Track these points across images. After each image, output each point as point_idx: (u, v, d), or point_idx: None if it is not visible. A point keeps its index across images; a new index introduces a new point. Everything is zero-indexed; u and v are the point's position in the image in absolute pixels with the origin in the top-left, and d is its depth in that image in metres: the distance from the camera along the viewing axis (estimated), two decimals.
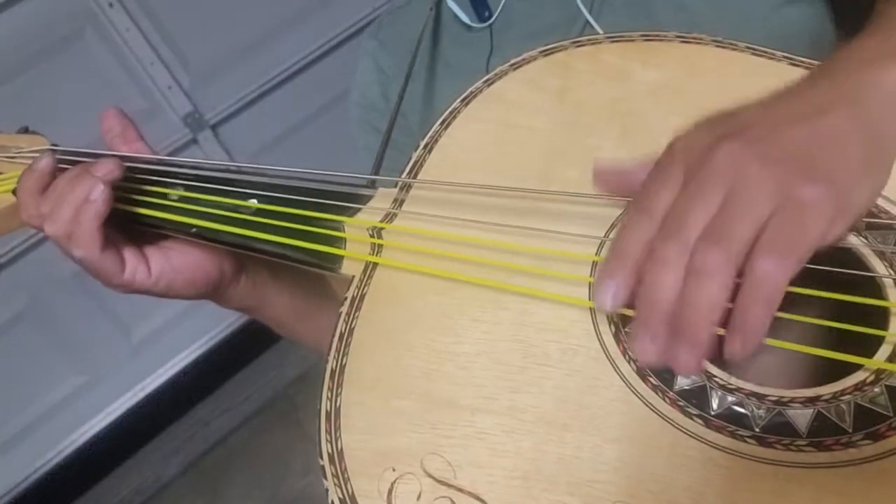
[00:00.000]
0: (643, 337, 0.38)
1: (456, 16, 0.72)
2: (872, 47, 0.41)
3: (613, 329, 0.43)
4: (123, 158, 0.58)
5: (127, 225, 0.57)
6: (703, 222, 0.37)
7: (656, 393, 0.41)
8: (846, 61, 0.41)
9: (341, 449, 0.42)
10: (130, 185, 0.58)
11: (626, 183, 0.45)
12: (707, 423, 0.40)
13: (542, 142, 0.52)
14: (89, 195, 0.53)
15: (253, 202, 0.55)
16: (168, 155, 1.78)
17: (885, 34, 0.41)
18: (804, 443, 0.38)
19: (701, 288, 0.36)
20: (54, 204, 0.54)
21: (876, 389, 0.39)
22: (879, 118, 0.38)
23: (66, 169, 0.57)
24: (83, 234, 0.53)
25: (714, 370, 0.42)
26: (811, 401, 0.40)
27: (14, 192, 0.59)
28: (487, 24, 0.71)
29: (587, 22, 0.66)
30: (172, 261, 0.58)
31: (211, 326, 1.97)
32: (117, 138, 0.60)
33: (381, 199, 0.53)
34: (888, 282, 0.42)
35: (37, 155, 0.61)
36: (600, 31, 0.63)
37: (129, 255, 0.57)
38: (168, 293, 0.59)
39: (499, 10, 0.70)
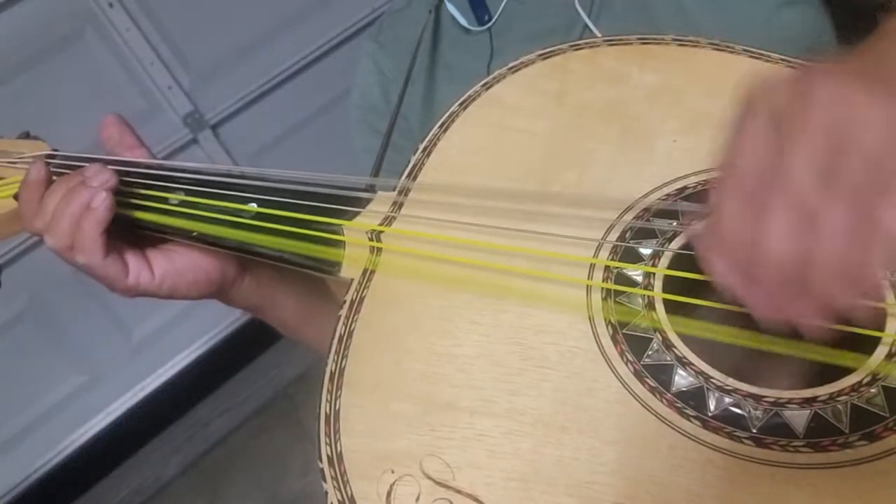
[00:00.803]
0: (768, 304, 0.34)
1: (456, 19, 0.73)
2: None
3: (611, 331, 0.44)
4: (124, 164, 0.58)
5: (128, 229, 0.57)
6: (813, 168, 0.33)
7: (654, 395, 0.41)
8: None
9: (341, 451, 0.42)
10: (131, 189, 0.58)
11: None
12: (705, 425, 0.40)
13: (540, 145, 0.52)
14: (91, 203, 0.53)
15: (252, 206, 0.55)
16: (169, 155, 1.79)
17: None
18: (801, 444, 0.38)
19: (821, 242, 0.32)
20: (51, 218, 0.54)
21: (872, 390, 0.39)
22: None
23: (64, 174, 0.57)
24: (86, 242, 0.53)
25: (712, 371, 0.42)
26: (808, 402, 0.40)
27: (16, 197, 0.59)
28: (486, 27, 0.71)
29: (586, 25, 0.66)
30: (175, 263, 0.58)
31: (211, 326, 1.98)
32: (118, 146, 0.60)
33: (380, 203, 0.53)
34: (884, 283, 0.42)
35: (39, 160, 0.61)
36: (599, 35, 0.63)
37: (132, 259, 0.57)
38: (172, 295, 0.59)
39: (498, 13, 0.70)
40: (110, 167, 0.56)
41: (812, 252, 0.33)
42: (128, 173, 0.59)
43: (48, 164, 0.60)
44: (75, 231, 0.53)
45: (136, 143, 0.61)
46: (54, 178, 0.57)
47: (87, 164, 0.58)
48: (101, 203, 0.53)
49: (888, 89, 0.33)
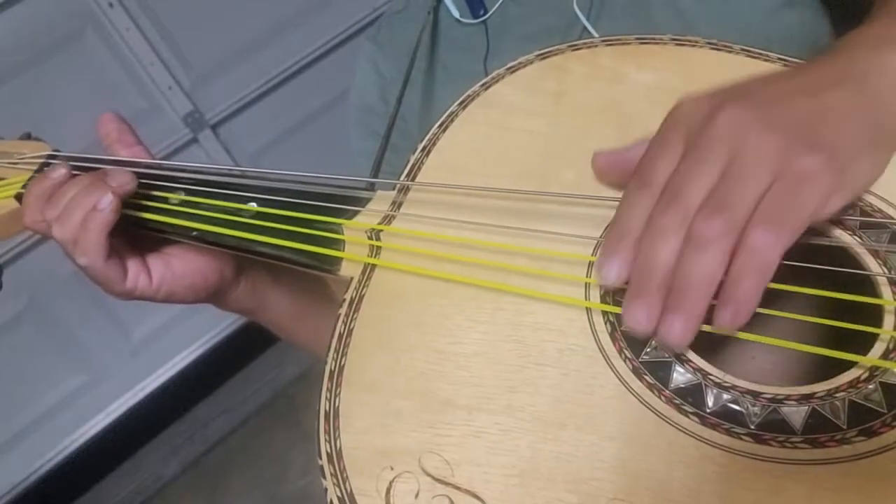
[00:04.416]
0: (637, 305, 0.39)
1: (455, 20, 0.73)
2: (878, 34, 0.42)
3: (609, 328, 0.44)
4: (125, 164, 0.58)
5: (129, 229, 0.58)
6: (704, 191, 0.37)
7: (652, 391, 0.41)
8: (852, 47, 0.42)
9: (340, 449, 0.42)
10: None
11: (628, 165, 0.45)
12: (703, 421, 0.40)
13: (538, 144, 0.53)
14: (97, 204, 0.53)
15: (252, 205, 0.55)
16: (169, 154, 1.79)
17: (889, 20, 0.42)
18: (799, 440, 0.39)
19: (698, 257, 0.37)
20: (65, 208, 0.54)
21: (870, 386, 0.39)
22: (883, 99, 0.39)
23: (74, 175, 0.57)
24: (89, 242, 0.53)
25: (709, 368, 0.42)
26: (806, 398, 0.40)
27: (17, 197, 0.59)
28: (481, 20, 0.71)
29: (585, 27, 0.66)
30: (173, 268, 0.59)
31: (211, 326, 1.98)
32: (115, 143, 0.60)
33: (380, 202, 0.54)
34: (882, 279, 0.42)
35: (40, 160, 0.61)
36: (597, 36, 0.63)
37: (132, 263, 0.57)
38: (169, 299, 0.59)
39: (494, 7, 0.71)
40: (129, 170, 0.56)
41: (689, 266, 0.37)
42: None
43: (51, 164, 0.60)
44: (82, 228, 0.53)
45: (134, 142, 0.61)
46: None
47: (91, 165, 0.58)
48: (108, 205, 0.53)
49: (784, 122, 0.38)
